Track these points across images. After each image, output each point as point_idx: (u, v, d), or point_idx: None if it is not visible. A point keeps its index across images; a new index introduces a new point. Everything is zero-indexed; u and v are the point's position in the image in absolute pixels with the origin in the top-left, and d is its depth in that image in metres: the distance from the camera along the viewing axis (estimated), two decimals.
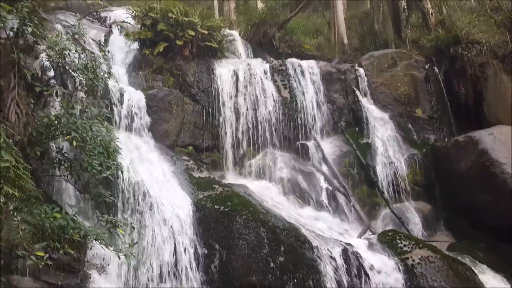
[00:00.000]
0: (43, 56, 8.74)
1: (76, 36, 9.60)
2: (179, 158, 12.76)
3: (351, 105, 15.04)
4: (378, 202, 13.06)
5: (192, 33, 15.06)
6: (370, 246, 10.45)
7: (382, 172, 13.22)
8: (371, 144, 13.77)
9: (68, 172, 8.10)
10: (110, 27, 18.12)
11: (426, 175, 13.43)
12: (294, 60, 16.27)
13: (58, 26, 13.62)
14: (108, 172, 7.79)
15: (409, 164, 13.49)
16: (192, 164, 12.79)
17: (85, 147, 7.56)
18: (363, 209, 12.71)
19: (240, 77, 14.96)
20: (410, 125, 14.60)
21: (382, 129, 14.11)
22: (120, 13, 19.80)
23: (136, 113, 12.83)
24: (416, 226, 12.47)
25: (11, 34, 7.71)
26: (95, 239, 6.78)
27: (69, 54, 8.38)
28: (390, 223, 12.53)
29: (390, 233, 10.95)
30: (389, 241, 10.50)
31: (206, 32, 15.48)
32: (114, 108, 12.45)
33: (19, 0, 8.06)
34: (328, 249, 9.74)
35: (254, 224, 9.85)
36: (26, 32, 7.69)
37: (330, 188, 12.85)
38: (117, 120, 12.45)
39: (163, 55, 15.26)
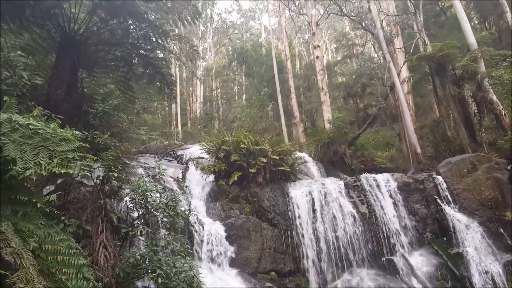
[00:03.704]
0: (127, 199, 9.22)
1: (156, 177, 10.12)
2: (262, 285, 12.53)
3: (434, 215, 14.43)
4: None
5: (264, 160, 15.51)
6: None
7: (479, 283, 12.18)
8: (462, 253, 12.91)
9: None
10: (187, 163, 19.08)
11: None
12: (368, 175, 16.19)
13: (140, 170, 14.51)
14: None
15: (507, 272, 12.40)
16: None
17: (169, 284, 7.62)
18: None
19: (315, 198, 14.94)
20: (501, 230, 13.66)
21: (472, 237, 13.27)
22: (194, 150, 20.99)
23: (216, 244, 12.97)
24: None
25: (98, 182, 8.25)
26: None
27: (150, 195, 8.80)
28: None
29: None
30: None
31: (277, 157, 15.90)
32: (195, 241, 12.67)
33: (104, 150, 8.73)
34: None
35: None
36: (112, 178, 8.19)
37: None
38: (199, 252, 12.60)
39: (238, 184, 15.71)
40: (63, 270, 5.45)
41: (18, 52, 13.92)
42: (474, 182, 14.75)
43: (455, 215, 14.06)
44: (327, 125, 28.20)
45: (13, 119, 6.15)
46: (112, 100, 17.02)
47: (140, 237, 8.89)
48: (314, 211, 14.71)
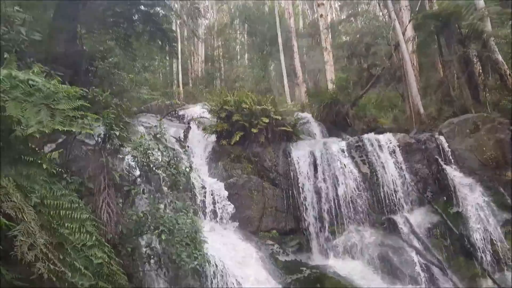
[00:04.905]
0: (129, 157, 9.23)
1: (158, 136, 10.10)
2: (264, 242, 12.72)
3: (435, 175, 14.45)
4: (478, 273, 11.95)
5: (266, 120, 15.46)
6: None
7: (477, 241, 12.30)
8: (462, 212, 13.00)
9: (157, 266, 8.22)
10: (189, 123, 19.02)
11: None
12: (371, 135, 16.09)
13: (141, 128, 14.47)
14: (196, 263, 7.86)
15: (506, 230, 12.52)
16: (277, 248, 12.69)
17: (172, 240, 7.72)
18: (462, 282, 11.80)
19: (317, 157, 14.95)
20: (501, 189, 13.68)
21: (472, 196, 13.32)
22: (196, 110, 20.89)
23: (218, 203, 13.07)
24: None
25: (99, 140, 8.24)
26: None
27: (152, 153, 8.80)
28: None
29: None
30: None
31: (279, 117, 15.84)
32: (197, 200, 12.76)
33: (105, 108, 8.67)
34: None
35: None
36: (114, 136, 8.18)
37: (424, 262, 12.12)
38: (201, 210, 12.71)
39: (240, 144, 15.69)
40: (66, 224, 5.50)
41: (15, 7, 13.63)
42: (476, 142, 14.70)
43: (456, 175, 14.08)
44: (330, 86, 27.94)
45: (13, 74, 6.07)
46: (112, 58, 16.77)
47: (143, 195, 8.95)
48: (316, 170, 14.75)
